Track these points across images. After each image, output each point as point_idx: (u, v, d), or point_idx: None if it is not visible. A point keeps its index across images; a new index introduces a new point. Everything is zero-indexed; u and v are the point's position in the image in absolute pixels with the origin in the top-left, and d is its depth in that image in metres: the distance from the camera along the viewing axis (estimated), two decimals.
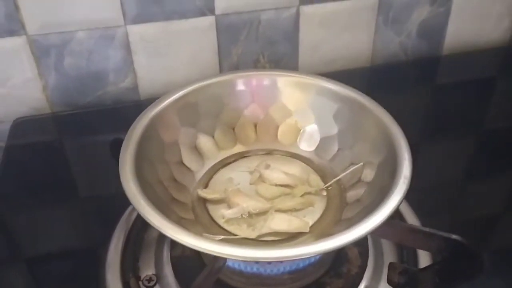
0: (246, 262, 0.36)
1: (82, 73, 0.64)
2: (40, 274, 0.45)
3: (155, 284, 0.41)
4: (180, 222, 0.36)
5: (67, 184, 0.56)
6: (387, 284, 0.39)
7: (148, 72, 0.66)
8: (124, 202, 0.46)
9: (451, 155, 0.58)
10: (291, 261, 0.35)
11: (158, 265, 0.42)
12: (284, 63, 0.70)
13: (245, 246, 0.30)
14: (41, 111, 0.65)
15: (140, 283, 0.41)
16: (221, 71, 0.68)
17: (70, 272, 0.44)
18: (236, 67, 0.68)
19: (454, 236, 0.34)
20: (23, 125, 0.63)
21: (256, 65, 0.69)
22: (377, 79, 0.73)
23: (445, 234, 0.34)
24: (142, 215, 0.32)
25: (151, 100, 0.67)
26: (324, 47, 0.71)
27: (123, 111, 0.67)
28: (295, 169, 0.43)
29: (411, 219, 0.44)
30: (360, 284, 0.40)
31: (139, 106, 0.67)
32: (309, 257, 0.30)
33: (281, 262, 0.37)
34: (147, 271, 0.42)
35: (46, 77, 0.63)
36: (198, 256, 0.41)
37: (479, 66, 0.75)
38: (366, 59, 0.73)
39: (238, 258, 0.30)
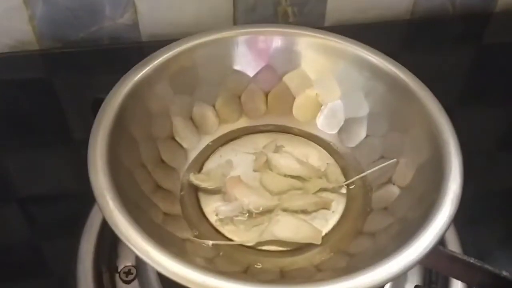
0: None
1: (74, 3, 0.56)
2: (27, 216, 0.44)
3: (134, 279, 0.35)
4: (164, 221, 0.30)
5: (55, 126, 0.51)
6: None
7: (151, 7, 0.58)
8: None
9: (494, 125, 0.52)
10: None
11: None
12: (309, 9, 0.60)
13: (232, 279, 0.23)
14: (27, 45, 0.59)
15: (117, 275, 0.35)
16: (236, 12, 0.59)
17: (57, 215, 0.42)
18: (253, 9, 0.59)
19: (504, 273, 0.27)
20: (8, 61, 0.58)
21: (276, 8, 0.59)
22: (416, 35, 0.65)
23: (494, 270, 0.27)
24: (109, 222, 0.25)
25: (154, 42, 0.61)
26: None
27: (121, 51, 0.60)
28: (311, 155, 0.35)
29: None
30: None
31: (140, 47, 0.61)
32: None
33: None
34: (126, 261, 0.36)
35: (33, 6, 0.56)
36: None
37: None
38: (406, 9, 0.63)
39: None
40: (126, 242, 0.25)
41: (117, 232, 0.25)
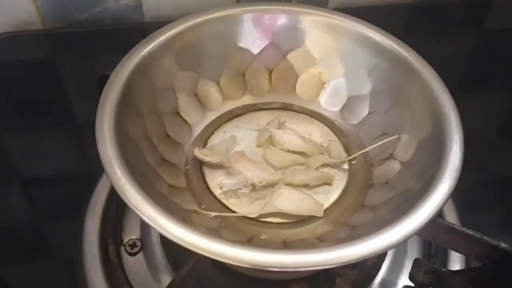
0: None
1: None
2: (32, 197, 0.44)
3: (138, 251, 0.36)
4: (169, 193, 0.30)
5: (57, 106, 0.51)
6: (408, 280, 0.33)
7: None
8: None
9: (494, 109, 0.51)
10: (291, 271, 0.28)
11: (145, 228, 0.37)
12: None
13: (236, 245, 0.24)
14: (31, 25, 0.58)
15: (122, 248, 0.36)
16: None
17: (61, 194, 0.42)
18: None
19: (503, 245, 0.28)
20: (11, 41, 0.57)
21: None
22: (417, 19, 0.64)
23: (492, 241, 0.28)
24: (117, 190, 0.26)
25: (156, 23, 0.60)
26: None
27: (124, 32, 0.60)
28: (314, 132, 0.36)
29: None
30: (377, 277, 0.34)
31: (143, 28, 0.61)
32: (318, 268, 0.24)
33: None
34: (131, 234, 0.37)
35: None
36: None
37: None
38: None
39: (226, 260, 0.24)
40: (134, 208, 0.25)
41: (124, 198, 0.25)
